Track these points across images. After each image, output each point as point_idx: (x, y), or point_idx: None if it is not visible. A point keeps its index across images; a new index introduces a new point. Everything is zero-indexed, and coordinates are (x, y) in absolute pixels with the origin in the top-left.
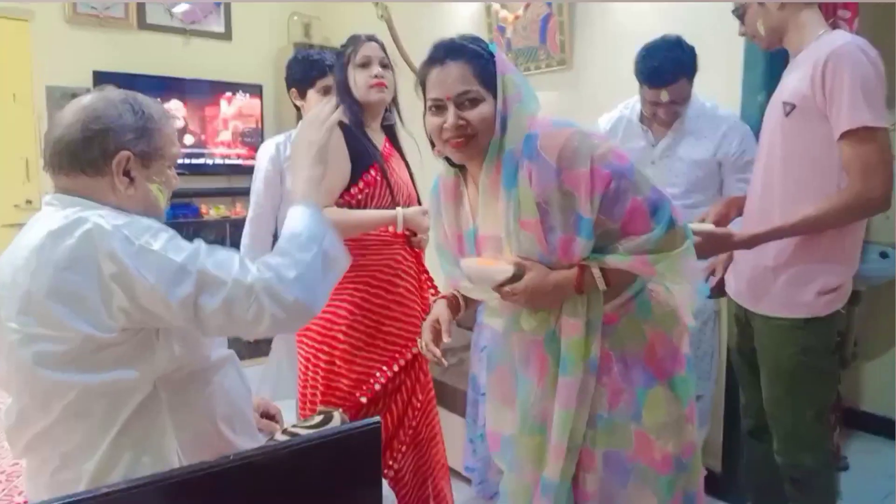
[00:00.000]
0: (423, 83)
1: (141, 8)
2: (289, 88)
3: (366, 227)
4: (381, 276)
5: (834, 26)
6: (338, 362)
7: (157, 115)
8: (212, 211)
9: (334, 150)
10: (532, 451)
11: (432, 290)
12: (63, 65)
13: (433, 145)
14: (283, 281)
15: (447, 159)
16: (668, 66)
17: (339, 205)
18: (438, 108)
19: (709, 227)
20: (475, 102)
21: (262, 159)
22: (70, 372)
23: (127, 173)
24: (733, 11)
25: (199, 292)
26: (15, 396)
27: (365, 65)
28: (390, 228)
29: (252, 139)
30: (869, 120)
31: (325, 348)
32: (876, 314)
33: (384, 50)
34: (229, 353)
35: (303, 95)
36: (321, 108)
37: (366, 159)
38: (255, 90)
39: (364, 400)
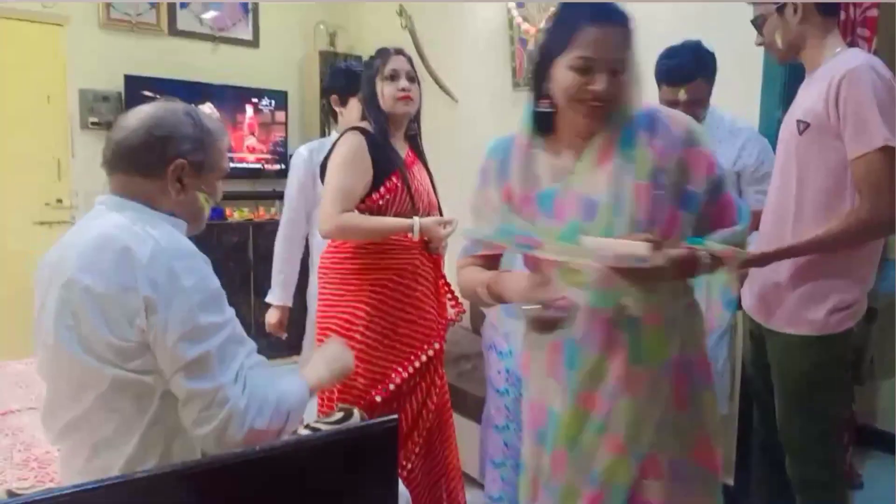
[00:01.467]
0: (567, 33)
1: (172, 14)
2: (328, 94)
3: (383, 234)
4: (399, 279)
5: (852, 45)
6: (355, 361)
7: (214, 130)
8: (236, 213)
9: (358, 157)
10: (583, 446)
11: (449, 296)
12: (96, 68)
13: (539, 97)
14: (248, 422)
15: (537, 117)
16: (686, 64)
17: (360, 209)
18: (587, 67)
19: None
20: (620, 71)
21: (297, 165)
22: (105, 363)
23: (180, 180)
24: (752, 21)
25: (190, 365)
26: (51, 383)
27: (393, 77)
28: (409, 235)
29: (276, 144)
30: (882, 141)
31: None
32: (894, 331)
33: (411, 63)
34: (260, 359)
35: (344, 102)
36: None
37: (388, 167)
38: (281, 96)
39: (379, 399)
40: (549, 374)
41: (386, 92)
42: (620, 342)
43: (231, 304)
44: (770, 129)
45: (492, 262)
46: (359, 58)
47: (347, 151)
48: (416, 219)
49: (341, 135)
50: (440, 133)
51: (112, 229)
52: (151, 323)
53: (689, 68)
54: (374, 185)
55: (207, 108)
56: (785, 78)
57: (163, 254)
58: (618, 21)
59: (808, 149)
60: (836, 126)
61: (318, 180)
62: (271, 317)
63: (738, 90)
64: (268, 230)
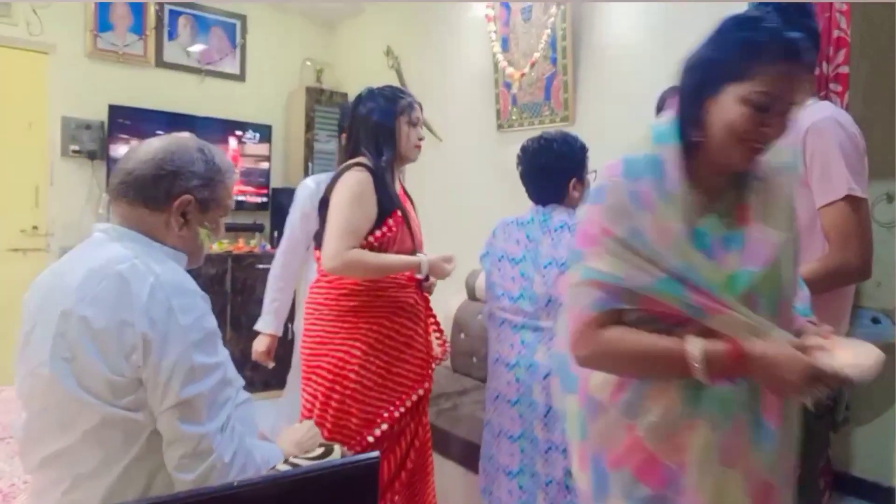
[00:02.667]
0: (750, 58)
1: (159, 46)
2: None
3: (391, 272)
4: (396, 317)
5: (825, 99)
6: (348, 401)
7: (224, 168)
8: (215, 245)
9: (366, 195)
10: None
11: (438, 334)
12: (80, 97)
13: (691, 123)
14: (230, 477)
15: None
16: None
17: (363, 247)
18: (763, 105)
19: None
20: (790, 114)
21: (302, 195)
22: (98, 399)
23: (184, 215)
24: None
25: (180, 405)
26: (36, 412)
27: (415, 124)
28: (421, 274)
29: (259, 177)
30: (846, 191)
31: (338, 387)
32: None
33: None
34: (247, 396)
35: None
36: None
37: (390, 205)
38: (265, 130)
39: (371, 440)
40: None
41: (411, 136)
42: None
43: None
44: None
45: (621, 315)
46: (345, 94)
47: (356, 189)
48: (422, 256)
49: (341, 171)
50: (424, 172)
51: (114, 261)
52: (147, 360)
53: None
54: (377, 223)
55: None
56: None
57: (162, 290)
58: (808, 59)
59: None
60: (803, 175)
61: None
62: (260, 344)
63: None
64: (246, 263)
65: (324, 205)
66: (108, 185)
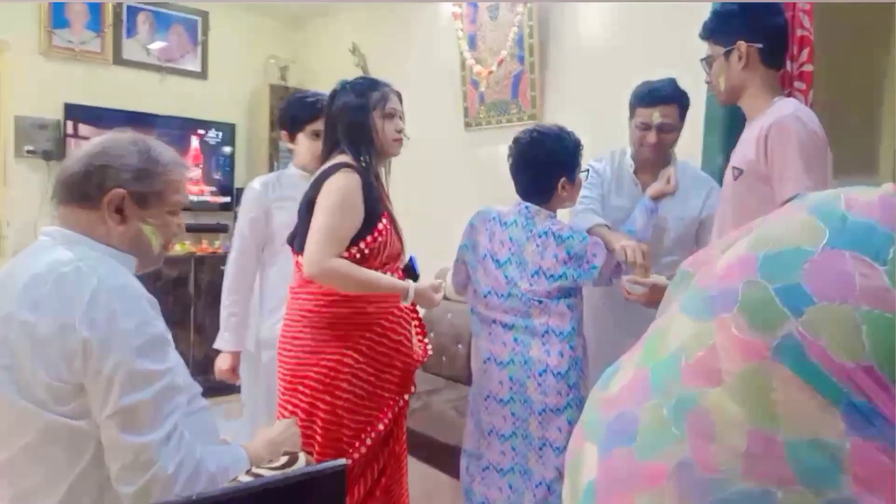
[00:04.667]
0: None
1: (117, 44)
2: (280, 128)
3: (373, 290)
4: (386, 323)
5: (789, 96)
6: (339, 411)
7: (164, 161)
8: (177, 246)
9: (353, 199)
10: None
11: (421, 337)
12: (34, 95)
13: None
14: (174, 491)
15: None
16: (665, 87)
17: (353, 254)
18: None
19: (656, 278)
20: None
21: (249, 199)
22: (39, 406)
23: (120, 211)
24: (703, 59)
25: (120, 413)
26: None
27: (391, 116)
28: (405, 302)
29: (222, 177)
30: (807, 188)
31: (328, 397)
32: None
33: (401, 102)
34: (204, 403)
35: (293, 138)
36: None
37: (378, 208)
38: (228, 129)
39: (364, 450)
40: None
41: (387, 130)
42: None
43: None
44: (713, 175)
45: None
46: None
47: (344, 192)
48: (410, 283)
49: (327, 170)
50: (391, 171)
51: (57, 265)
52: (87, 365)
53: (668, 91)
54: (366, 228)
55: None
56: (727, 124)
57: (105, 293)
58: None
59: (743, 194)
60: (765, 172)
61: (271, 215)
62: (223, 363)
63: (683, 136)
64: (210, 264)
65: (307, 205)
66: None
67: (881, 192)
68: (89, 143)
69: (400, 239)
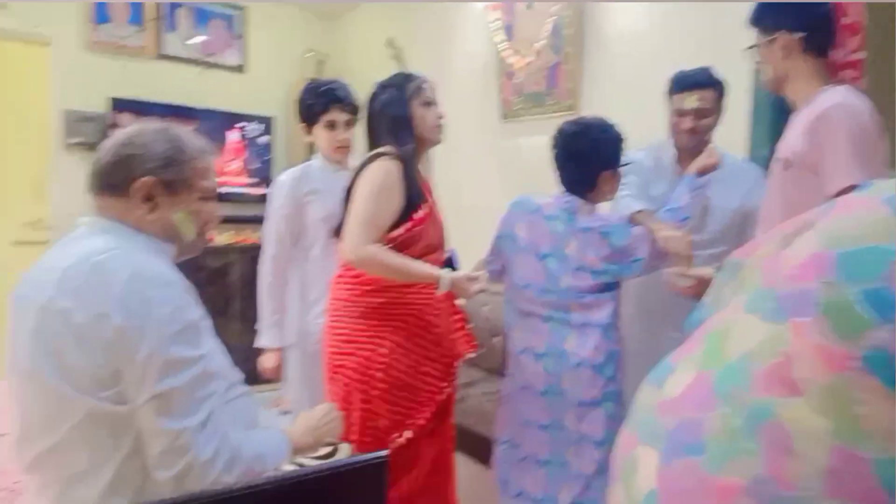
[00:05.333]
0: None
1: (159, 38)
2: (300, 122)
3: (408, 278)
4: (424, 314)
5: (839, 84)
6: (376, 401)
7: (190, 148)
8: (219, 237)
9: (393, 186)
10: None
11: (464, 330)
12: (80, 90)
13: None
14: (211, 476)
15: None
16: (698, 72)
17: (390, 241)
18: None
19: (703, 270)
20: None
21: (279, 195)
22: (81, 392)
23: (150, 199)
24: (749, 48)
25: (156, 399)
26: (24, 411)
27: (430, 104)
28: (440, 291)
29: (261, 169)
30: (857, 179)
31: (365, 386)
32: None
33: (435, 93)
34: (244, 390)
35: (310, 131)
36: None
37: (418, 197)
38: (267, 122)
39: (402, 442)
40: None
41: (427, 118)
42: None
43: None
44: (759, 166)
45: None
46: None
47: (383, 179)
48: (445, 271)
49: (368, 159)
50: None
51: (93, 253)
52: (124, 352)
53: (702, 76)
54: (404, 216)
55: None
56: (773, 115)
57: (138, 280)
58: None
59: (791, 186)
60: (814, 163)
61: (303, 209)
62: (268, 361)
63: (728, 126)
64: (251, 255)
65: (348, 194)
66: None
67: None
68: (118, 134)
69: (440, 231)
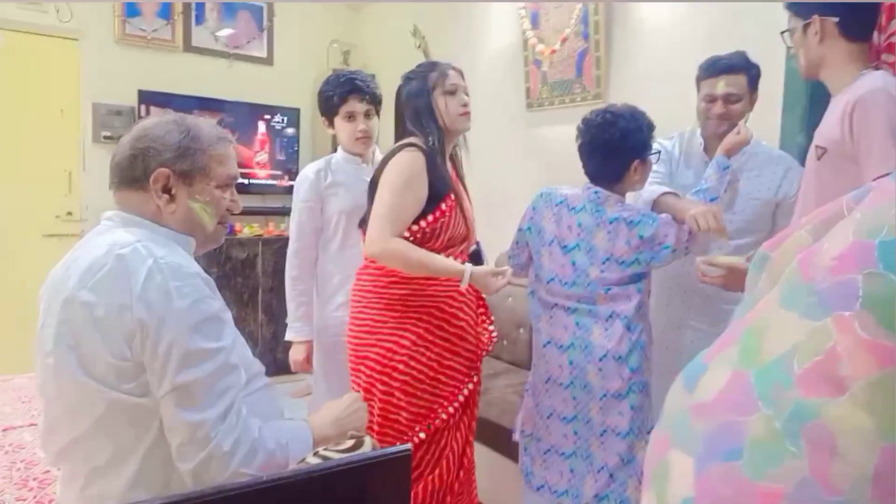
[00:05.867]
0: None
1: (187, 31)
2: (321, 115)
3: (431, 273)
4: (446, 307)
5: (877, 69)
6: (397, 394)
7: (205, 136)
8: (245, 229)
9: (418, 178)
10: None
11: (488, 323)
12: (110, 83)
13: None
14: (232, 466)
15: None
16: (728, 57)
17: (413, 233)
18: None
19: (733, 259)
20: None
21: (303, 188)
22: (104, 384)
23: (168, 191)
24: (783, 32)
25: (177, 390)
26: (49, 403)
27: (453, 92)
28: (462, 285)
29: (287, 161)
30: (892, 168)
31: (385, 378)
32: None
33: (464, 78)
34: (266, 381)
35: (331, 123)
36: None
37: (443, 188)
38: (293, 114)
39: (423, 436)
40: None
41: (450, 107)
42: None
43: (238, 320)
44: (792, 154)
45: None
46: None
47: (408, 170)
48: (468, 266)
49: (393, 151)
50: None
51: (116, 246)
52: (144, 344)
53: (733, 60)
54: (428, 207)
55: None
56: (806, 102)
57: (160, 272)
58: None
59: (827, 174)
60: (851, 150)
61: (325, 202)
62: (297, 353)
63: (759, 114)
64: (277, 246)
65: (372, 186)
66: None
67: None
68: (134, 128)
69: (466, 222)
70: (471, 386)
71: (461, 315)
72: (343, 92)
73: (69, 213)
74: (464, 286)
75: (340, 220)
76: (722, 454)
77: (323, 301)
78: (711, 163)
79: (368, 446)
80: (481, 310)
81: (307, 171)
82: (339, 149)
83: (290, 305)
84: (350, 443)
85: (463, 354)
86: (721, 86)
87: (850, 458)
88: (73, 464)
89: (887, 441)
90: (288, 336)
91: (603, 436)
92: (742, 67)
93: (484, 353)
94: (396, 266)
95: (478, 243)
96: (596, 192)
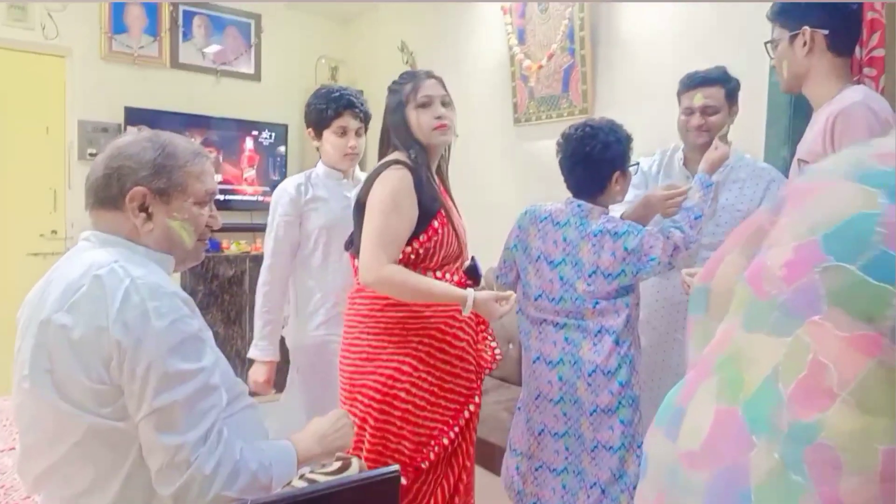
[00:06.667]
0: None
1: (174, 47)
2: (307, 127)
3: (431, 300)
4: (446, 328)
5: (859, 83)
6: (398, 423)
7: (181, 153)
8: (233, 246)
9: (406, 197)
10: None
11: (491, 340)
12: (96, 100)
13: None
14: (213, 489)
15: None
16: (706, 71)
17: (406, 254)
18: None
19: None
20: None
21: (282, 203)
22: (81, 409)
23: (145, 209)
24: (767, 43)
25: (155, 414)
26: (24, 428)
27: (426, 105)
28: (464, 313)
29: (275, 177)
30: None
31: (386, 408)
32: None
33: (444, 87)
34: (250, 401)
35: (319, 136)
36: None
37: (433, 206)
38: (281, 130)
39: (426, 465)
40: None
41: (422, 121)
42: None
43: (225, 337)
44: (776, 167)
45: None
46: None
47: (395, 190)
48: (469, 291)
49: (377, 168)
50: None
51: (92, 268)
52: (122, 366)
53: (710, 74)
54: (420, 226)
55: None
56: (790, 115)
57: (136, 293)
58: None
59: None
60: None
61: (304, 218)
62: (258, 374)
63: (743, 127)
64: None
65: (359, 207)
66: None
67: None
68: (108, 147)
69: (458, 238)
70: (472, 408)
71: (462, 335)
72: (339, 106)
73: (54, 232)
74: (466, 313)
75: (321, 235)
76: (730, 503)
77: (302, 319)
78: (694, 180)
79: (356, 468)
80: (481, 326)
81: (286, 186)
82: (319, 163)
83: (258, 322)
84: (337, 465)
85: (463, 376)
86: (698, 98)
87: (855, 470)
88: (52, 490)
89: (889, 443)
90: (252, 354)
91: (594, 451)
92: (718, 80)
93: (487, 371)
94: (394, 295)
95: (473, 258)
96: (579, 206)
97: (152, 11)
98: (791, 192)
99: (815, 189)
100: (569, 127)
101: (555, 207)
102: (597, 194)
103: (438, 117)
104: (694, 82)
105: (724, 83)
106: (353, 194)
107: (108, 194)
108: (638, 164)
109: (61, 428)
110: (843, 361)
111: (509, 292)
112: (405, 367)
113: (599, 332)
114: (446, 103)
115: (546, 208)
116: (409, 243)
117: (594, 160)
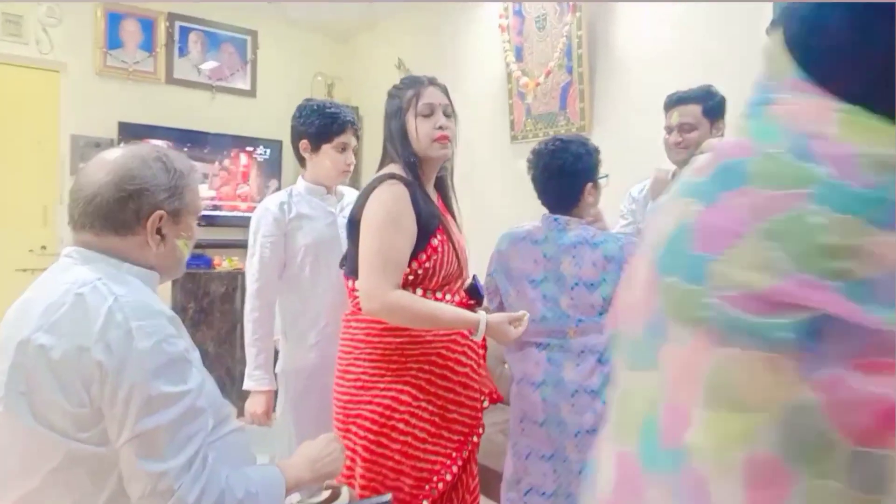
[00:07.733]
0: None
1: (169, 64)
2: (299, 139)
3: (440, 326)
4: (448, 353)
5: None
6: (396, 456)
7: (186, 171)
8: (224, 262)
9: (404, 214)
10: None
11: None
12: (90, 115)
13: None
14: None
15: None
16: (685, 91)
17: (404, 276)
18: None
19: None
20: None
21: (265, 223)
22: (59, 433)
23: (159, 231)
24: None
25: (138, 439)
26: (1, 453)
27: (428, 114)
28: (476, 337)
29: (270, 194)
30: None
31: (382, 440)
32: None
33: (447, 95)
34: (237, 425)
35: (317, 150)
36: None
37: (432, 222)
38: (276, 146)
39: (428, 503)
40: None
41: (421, 131)
42: None
43: (215, 357)
44: None
45: None
46: (356, 108)
47: (392, 207)
48: (482, 314)
49: (371, 183)
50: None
51: (74, 285)
52: (104, 388)
53: (688, 93)
54: (419, 245)
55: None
56: None
57: (121, 312)
58: None
59: None
60: None
61: (289, 237)
62: (257, 405)
63: None
64: None
65: (352, 225)
66: (69, 216)
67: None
68: (108, 165)
69: (458, 256)
70: (475, 439)
71: (464, 360)
72: (343, 122)
73: (43, 247)
74: (478, 338)
75: (307, 254)
76: None
77: (293, 342)
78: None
79: (346, 497)
80: (483, 350)
81: (268, 205)
82: (300, 179)
83: (251, 351)
84: (326, 494)
85: (467, 404)
86: (675, 116)
87: (720, 482)
88: None
89: (750, 446)
90: (247, 385)
91: (581, 474)
92: (695, 98)
93: (490, 398)
94: (401, 323)
95: (475, 276)
96: (556, 220)
97: (148, 27)
98: (646, 225)
99: (660, 212)
100: (538, 143)
101: (532, 226)
102: (571, 207)
103: (440, 127)
104: (672, 102)
105: (702, 101)
106: (337, 209)
107: (121, 218)
108: (607, 176)
109: (37, 454)
110: (688, 375)
111: (522, 312)
112: (404, 397)
113: (583, 352)
114: (448, 114)
115: (524, 228)
116: (408, 264)
117: (567, 172)
